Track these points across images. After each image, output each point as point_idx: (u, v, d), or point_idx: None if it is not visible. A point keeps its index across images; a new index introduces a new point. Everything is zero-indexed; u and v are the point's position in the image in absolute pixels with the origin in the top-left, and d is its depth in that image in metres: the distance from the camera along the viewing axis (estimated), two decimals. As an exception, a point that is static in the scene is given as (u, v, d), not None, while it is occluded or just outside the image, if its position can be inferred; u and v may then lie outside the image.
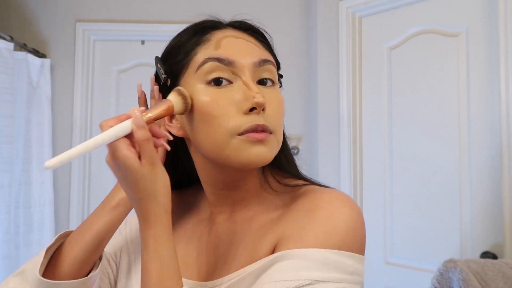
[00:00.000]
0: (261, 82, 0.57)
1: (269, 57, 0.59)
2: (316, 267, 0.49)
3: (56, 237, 0.64)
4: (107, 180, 2.24)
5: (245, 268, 0.54)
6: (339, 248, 0.50)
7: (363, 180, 1.87)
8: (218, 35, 0.59)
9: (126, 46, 2.30)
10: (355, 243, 0.52)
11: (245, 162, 0.54)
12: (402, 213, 1.73)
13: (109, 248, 0.69)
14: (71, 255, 0.61)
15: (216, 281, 0.57)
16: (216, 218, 0.64)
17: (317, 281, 0.48)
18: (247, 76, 0.55)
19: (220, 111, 0.54)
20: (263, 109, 0.54)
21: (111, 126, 0.49)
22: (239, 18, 0.64)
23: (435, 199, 1.63)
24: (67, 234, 0.64)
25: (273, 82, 0.58)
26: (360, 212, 0.55)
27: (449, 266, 1.22)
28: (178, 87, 0.56)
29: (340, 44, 1.92)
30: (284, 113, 0.59)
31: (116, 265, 0.69)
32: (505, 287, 1.16)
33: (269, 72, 0.58)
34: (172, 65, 0.60)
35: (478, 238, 1.50)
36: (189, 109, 0.55)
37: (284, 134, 0.62)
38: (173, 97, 0.54)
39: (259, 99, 0.53)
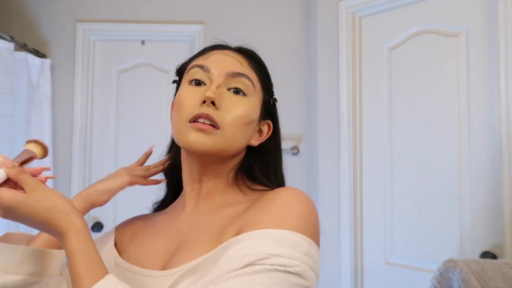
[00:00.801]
0: (235, 90, 0.67)
1: (247, 73, 0.69)
2: (272, 243, 0.52)
3: None
4: (107, 180, 2.24)
5: (204, 255, 0.57)
6: (295, 229, 0.55)
7: (363, 180, 1.87)
8: (213, 52, 0.72)
9: (126, 46, 2.30)
10: (310, 230, 0.57)
11: (185, 144, 0.65)
12: (402, 213, 1.73)
13: None
14: (40, 241, 0.68)
15: (171, 270, 0.60)
16: (184, 210, 0.72)
17: (273, 255, 0.51)
18: (216, 81, 0.66)
19: (186, 102, 0.66)
20: (214, 104, 0.64)
21: None
22: (244, 45, 0.76)
23: (435, 199, 1.63)
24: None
25: (243, 93, 0.68)
26: (315, 207, 0.61)
27: (449, 266, 1.22)
28: (34, 139, 0.66)
29: (340, 44, 1.92)
30: (247, 121, 0.67)
31: None
32: (505, 287, 1.16)
33: (241, 84, 0.68)
34: (180, 71, 0.76)
35: (478, 238, 1.50)
36: (45, 155, 0.64)
37: (278, 160, 0.74)
38: (31, 146, 0.65)
39: (208, 93, 0.63)
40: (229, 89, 0.67)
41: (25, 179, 0.55)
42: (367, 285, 1.82)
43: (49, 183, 2.21)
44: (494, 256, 1.42)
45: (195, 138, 0.63)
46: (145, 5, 2.26)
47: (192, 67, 0.70)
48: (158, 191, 0.84)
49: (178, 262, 0.60)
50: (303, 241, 0.54)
